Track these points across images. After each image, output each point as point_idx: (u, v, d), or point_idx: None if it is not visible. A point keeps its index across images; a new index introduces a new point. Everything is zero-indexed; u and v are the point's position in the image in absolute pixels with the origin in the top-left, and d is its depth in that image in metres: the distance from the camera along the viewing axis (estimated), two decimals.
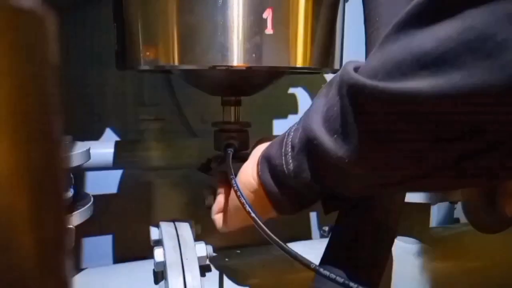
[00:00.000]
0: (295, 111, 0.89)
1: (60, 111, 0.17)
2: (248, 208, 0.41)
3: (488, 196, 0.53)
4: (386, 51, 0.28)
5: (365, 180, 0.34)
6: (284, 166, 0.38)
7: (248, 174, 0.44)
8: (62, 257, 0.19)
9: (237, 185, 0.43)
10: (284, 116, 0.88)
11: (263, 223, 0.40)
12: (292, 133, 0.39)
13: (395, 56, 0.26)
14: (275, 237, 0.39)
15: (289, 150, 0.38)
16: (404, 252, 0.71)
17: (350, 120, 0.30)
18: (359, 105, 0.30)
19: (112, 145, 0.72)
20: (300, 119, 0.39)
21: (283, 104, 0.87)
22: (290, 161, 0.38)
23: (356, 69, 0.30)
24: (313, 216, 0.95)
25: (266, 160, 0.41)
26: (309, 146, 0.35)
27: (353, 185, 0.36)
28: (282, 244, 0.38)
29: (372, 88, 0.27)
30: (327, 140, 0.33)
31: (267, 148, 0.42)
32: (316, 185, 0.38)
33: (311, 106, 0.37)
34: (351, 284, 0.34)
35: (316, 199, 0.43)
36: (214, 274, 0.60)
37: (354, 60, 0.33)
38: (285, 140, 0.39)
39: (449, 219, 0.95)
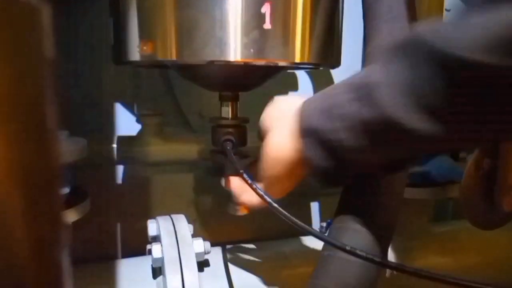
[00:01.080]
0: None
1: (56, 105, 0.16)
2: (270, 201, 0.40)
3: (486, 192, 0.53)
4: (479, 24, 0.26)
5: (440, 149, 0.33)
6: (341, 141, 0.35)
7: (284, 147, 0.41)
8: (58, 253, 0.19)
9: (251, 180, 0.42)
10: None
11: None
12: (346, 106, 0.35)
13: (497, 31, 0.25)
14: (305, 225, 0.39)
15: (346, 125, 0.35)
16: (402, 248, 0.71)
17: (453, 97, 0.29)
18: (468, 82, 0.28)
19: (109, 140, 0.72)
20: (352, 87, 0.35)
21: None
22: (348, 136, 0.35)
23: (439, 40, 0.29)
24: (314, 210, 0.95)
25: (313, 134, 0.38)
26: (379, 125, 0.33)
27: (416, 155, 0.36)
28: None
29: (486, 66, 0.26)
30: (412, 118, 0.30)
31: (310, 119, 0.38)
32: (374, 159, 0.37)
33: (370, 75, 0.34)
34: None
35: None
36: (212, 269, 0.60)
37: (423, 26, 0.30)
38: (337, 112, 0.36)
39: (447, 215, 0.95)
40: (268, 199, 0.40)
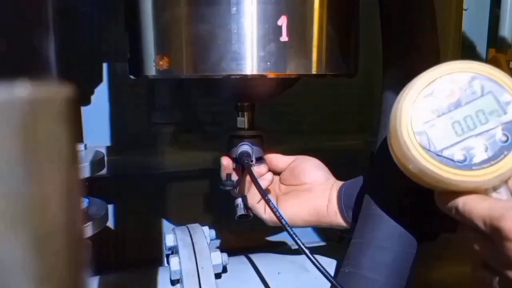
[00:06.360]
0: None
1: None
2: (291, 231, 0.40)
3: None
4: None
5: None
6: None
7: None
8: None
9: (273, 203, 0.42)
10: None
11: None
12: None
13: None
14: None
15: None
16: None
17: None
18: None
19: (124, 151, 0.72)
20: None
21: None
22: None
23: None
24: None
25: None
26: None
27: None
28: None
29: None
30: None
31: None
32: None
33: None
34: None
35: None
36: (229, 277, 0.59)
37: None
38: None
39: None
40: (284, 222, 0.40)
